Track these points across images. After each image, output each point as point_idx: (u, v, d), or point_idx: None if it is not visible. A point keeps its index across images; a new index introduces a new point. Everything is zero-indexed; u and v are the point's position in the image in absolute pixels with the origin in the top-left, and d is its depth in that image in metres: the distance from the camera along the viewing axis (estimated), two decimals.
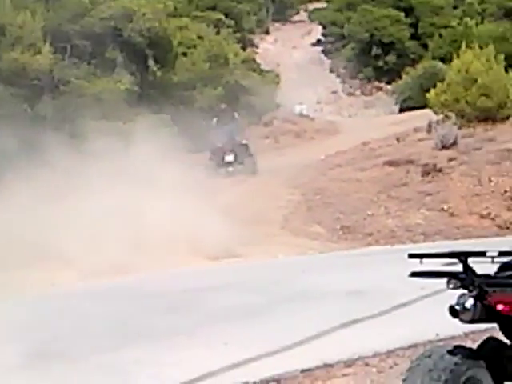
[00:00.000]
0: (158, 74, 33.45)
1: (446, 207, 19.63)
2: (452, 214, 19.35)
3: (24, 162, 18.82)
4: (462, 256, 4.20)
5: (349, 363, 6.96)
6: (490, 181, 20.50)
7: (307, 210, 20.49)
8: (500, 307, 4.04)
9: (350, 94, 64.84)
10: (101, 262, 13.37)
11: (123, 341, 8.35)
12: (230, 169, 25.21)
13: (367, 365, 6.95)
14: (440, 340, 7.25)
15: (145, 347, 7.98)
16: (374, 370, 6.83)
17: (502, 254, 4.18)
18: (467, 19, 55.91)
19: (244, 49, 52.00)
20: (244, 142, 26.48)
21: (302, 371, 6.75)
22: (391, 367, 6.83)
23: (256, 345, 7.57)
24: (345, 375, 6.71)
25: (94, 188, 16.72)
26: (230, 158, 25.38)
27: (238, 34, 59.06)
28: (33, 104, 28.10)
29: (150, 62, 33.45)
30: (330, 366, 6.89)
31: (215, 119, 27.55)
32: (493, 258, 4.17)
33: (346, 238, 18.35)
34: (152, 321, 9.31)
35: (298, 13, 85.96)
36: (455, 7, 68.64)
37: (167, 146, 28.71)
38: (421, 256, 4.35)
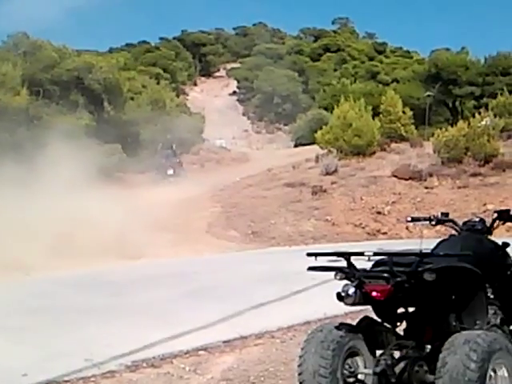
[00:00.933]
0: (112, 113, 32.92)
1: (329, 218, 19.82)
2: (333, 224, 19.55)
3: None
4: (347, 255, 4.22)
5: (259, 336, 6.90)
6: (362, 199, 20.81)
7: (226, 219, 20.41)
8: (374, 294, 4.07)
9: (258, 132, 65.24)
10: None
11: None
12: (171, 179, 28.00)
13: (273, 337, 6.91)
14: (327, 318, 7.26)
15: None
16: (278, 340, 6.79)
17: (375, 254, 4.22)
18: (344, 79, 56.89)
19: (178, 96, 51.64)
20: (178, 161, 30.78)
21: (224, 342, 6.68)
22: (291, 338, 6.80)
23: (187, 322, 7.45)
24: (256, 345, 6.64)
25: (48, 195, 16.18)
26: (170, 171, 28.92)
27: (173, 85, 58.70)
28: (12, 134, 27.26)
29: (105, 104, 32.90)
30: (245, 337, 6.83)
31: (160, 145, 30.96)
32: (369, 257, 4.20)
33: (255, 241, 18.33)
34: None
35: (218, 70, 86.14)
36: (335, 70, 69.95)
37: (117, 167, 28.33)
38: (316, 255, 4.36)
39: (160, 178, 27.98)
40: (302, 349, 4.21)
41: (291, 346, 6.39)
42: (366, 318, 4.42)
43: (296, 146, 48.35)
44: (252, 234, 18.97)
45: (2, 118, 26.14)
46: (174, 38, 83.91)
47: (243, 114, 70.50)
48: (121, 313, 8.24)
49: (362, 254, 4.16)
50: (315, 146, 29.38)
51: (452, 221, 4.99)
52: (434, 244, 4.67)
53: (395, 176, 22.24)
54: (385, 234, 18.97)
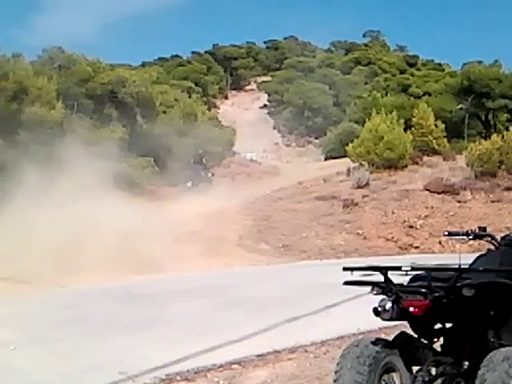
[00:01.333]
0: (144, 126, 33.20)
1: (360, 232, 19.69)
2: (365, 237, 19.41)
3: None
4: (383, 270, 4.19)
5: (292, 350, 6.89)
6: (393, 213, 20.65)
7: (257, 232, 20.38)
8: (412, 309, 4.04)
9: (288, 146, 65.19)
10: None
11: None
12: (200, 191, 27.67)
13: (306, 351, 6.89)
14: (361, 333, 7.21)
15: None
16: (312, 355, 6.76)
17: (413, 268, 4.19)
18: (375, 92, 56.68)
19: (209, 109, 51.87)
20: (210, 174, 31.43)
21: (257, 356, 6.67)
22: (325, 353, 6.77)
23: (220, 336, 7.46)
24: (289, 359, 6.63)
25: (81, 209, 16.34)
26: (189, 184, 29.34)
27: (205, 98, 59.08)
28: (48, 147, 27.68)
29: (138, 118, 33.21)
30: (278, 352, 6.82)
31: (192, 159, 31.18)
32: (406, 271, 4.17)
33: (286, 254, 18.27)
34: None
35: (249, 84, 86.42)
36: (366, 83, 69.70)
37: (149, 179, 28.53)
38: (352, 269, 4.34)
39: (191, 190, 28.18)
40: (338, 364, 4.19)
41: (325, 360, 6.36)
42: (403, 334, 4.39)
43: (326, 159, 48.14)
44: (283, 247, 18.93)
45: (38, 131, 26.59)
46: (206, 52, 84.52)
47: (274, 128, 70.49)
48: (154, 326, 8.28)
49: (399, 268, 4.13)
50: (346, 160, 29.20)
51: (490, 235, 4.93)
52: (470, 259, 4.62)
53: (427, 190, 22.03)
54: (417, 248, 18.78)
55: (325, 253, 18.25)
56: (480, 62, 54.78)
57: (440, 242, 18.29)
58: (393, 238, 19.20)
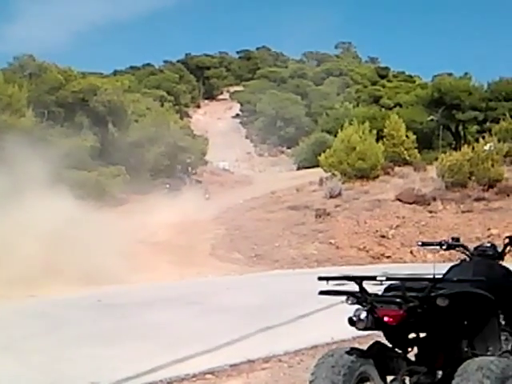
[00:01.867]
0: (116, 135, 33.08)
1: (333, 241, 19.75)
2: (337, 247, 19.48)
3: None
4: (359, 279, 4.20)
5: (266, 359, 6.85)
6: (365, 223, 20.77)
7: (230, 241, 20.36)
8: (386, 319, 4.04)
9: (260, 155, 65.28)
10: None
11: None
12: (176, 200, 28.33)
13: (280, 361, 6.85)
14: (334, 342, 7.21)
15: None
16: (286, 365, 6.73)
17: (388, 278, 4.20)
18: (347, 103, 57.13)
19: (181, 118, 51.80)
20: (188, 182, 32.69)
21: (231, 365, 6.63)
22: (299, 363, 6.75)
23: (193, 345, 7.40)
24: (263, 369, 6.59)
25: (46, 217, 16.09)
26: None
27: (177, 107, 58.96)
28: (17, 156, 27.35)
29: (110, 126, 33.08)
30: (252, 361, 6.78)
31: (179, 167, 33.86)
32: (381, 281, 4.18)
33: (259, 263, 18.26)
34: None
35: (222, 93, 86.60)
36: (338, 94, 70.26)
37: (120, 188, 28.37)
38: (327, 279, 4.34)
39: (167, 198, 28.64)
40: (313, 373, 4.16)
41: (299, 370, 6.34)
42: (377, 343, 4.38)
43: (299, 168, 48.37)
44: (256, 256, 18.91)
45: (7, 139, 26.26)
46: (178, 61, 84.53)
47: (246, 137, 70.65)
48: (127, 336, 8.20)
49: (374, 278, 4.13)
50: (318, 169, 29.38)
51: (463, 246, 4.97)
52: (442, 269, 4.65)
53: (399, 200, 22.22)
54: (389, 257, 18.90)
55: (297, 262, 18.27)
56: (450, 74, 55.66)
57: (411, 252, 18.44)
58: (365, 247, 19.30)
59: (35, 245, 14.32)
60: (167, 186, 30.68)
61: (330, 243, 19.66)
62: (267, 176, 44.28)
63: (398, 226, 20.37)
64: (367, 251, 19.15)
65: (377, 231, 20.05)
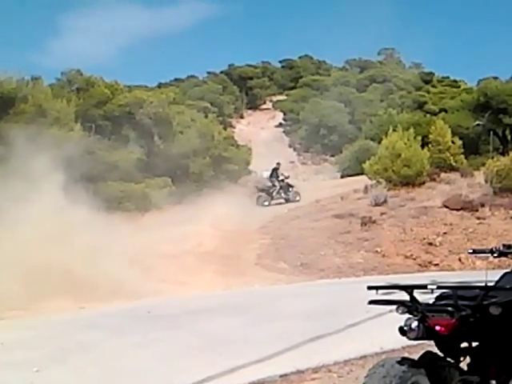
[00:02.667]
0: (161, 147, 33.41)
1: (379, 250, 19.58)
2: (384, 255, 19.30)
3: None
4: (409, 288, 4.17)
5: (316, 370, 6.84)
6: (412, 230, 20.53)
7: (275, 250, 20.33)
8: (437, 328, 4.01)
9: (304, 164, 65.09)
10: None
11: None
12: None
13: (330, 371, 6.83)
14: (384, 352, 7.15)
15: None
16: (335, 375, 6.71)
17: (439, 287, 4.16)
18: (390, 109, 56.60)
19: (225, 129, 52.02)
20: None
21: (280, 376, 6.64)
22: (348, 373, 6.72)
23: (243, 356, 7.43)
24: (313, 379, 6.59)
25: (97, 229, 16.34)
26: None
27: (221, 118, 59.30)
28: (66, 169, 27.94)
29: (156, 138, 33.45)
30: (302, 372, 6.77)
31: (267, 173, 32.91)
32: (432, 290, 4.15)
33: (304, 273, 18.18)
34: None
35: (265, 103, 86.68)
36: (382, 100, 69.67)
37: (167, 199, 28.65)
38: (377, 288, 4.32)
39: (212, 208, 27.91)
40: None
41: (349, 380, 6.31)
42: (428, 353, 4.34)
43: (342, 176, 47.95)
44: (301, 265, 18.86)
45: (56, 154, 26.84)
46: (222, 72, 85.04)
47: (289, 146, 70.51)
48: (176, 346, 8.28)
49: (425, 287, 4.11)
50: (362, 177, 29.09)
51: None
52: (494, 276, 4.59)
53: (446, 206, 21.90)
54: (436, 265, 18.65)
55: (343, 271, 18.16)
56: (496, 78, 54.63)
57: (460, 259, 18.16)
58: (412, 255, 19.08)
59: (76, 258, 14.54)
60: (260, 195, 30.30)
61: (376, 251, 19.48)
62: (311, 184, 43.99)
63: (445, 233, 20.07)
64: (414, 259, 18.92)
65: (424, 239, 19.79)
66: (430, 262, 18.75)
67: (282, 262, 19.25)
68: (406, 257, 19.05)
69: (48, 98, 27.16)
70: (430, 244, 19.57)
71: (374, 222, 21.54)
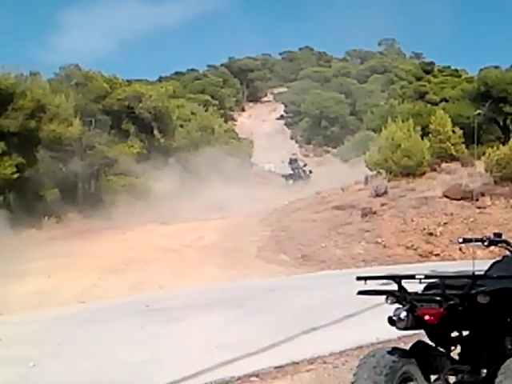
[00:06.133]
0: (162, 140, 33.45)
1: (380, 240, 19.56)
2: (385, 246, 19.28)
3: None
4: (397, 278, 4.17)
5: (311, 361, 6.84)
6: (412, 221, 20.50)
7: (276, 242, 20.32)
8: (427, 318, 4.01)
9: (306, 156, 64.91)
10: None
11: None
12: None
13: (325, 362, 6.83)
14: (380, 342, 7.15)
15: None
16: (331, 366, 6.71)
17: (427, 277, 4.15)
18: (391, 100, 56.41)
19: (226, 122, 52.11)
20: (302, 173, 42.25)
21: (276, 367, 6.64)
22: (343, 364, 6.72)
23: (238, 348, 7.43)
24: (308, 370, 6.59)
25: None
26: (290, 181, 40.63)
27: (221, 111, 59.26)
28: (66, 164, 27.99)
29: (155, 132, 33.46)
30: (297, 363, 6.77)
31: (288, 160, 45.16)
32: (420, 280, 4.14)
33: (305, 264, 18.18)
34: None
35: (266, 95, 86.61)
36: (383, 91, 69.48)
37: (169, 192, 28.67)
38: (365, 278, 4.32)
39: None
40: (355, 374, 4.15)
41: (344, 371, 6.31)
42: (420, 343, 4.35)
43: None
44: (302, 257, 18.85)
45: (56, 149, 26.85)
46: (222, 65, 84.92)
47: (291, 138, 70.47)
48: (173, 339, 8.29)
49: (413, 276, 4.10)
50: (364, 168, 29.11)
51: (505, 241, 4.87)
52: (487, 265, 4.58)
53: (446, 196, 21.85)
54: (437, 255, 18.63)
55: (344, 262, 18.15)
56: (497, 67, 54.42)
57: (461, 249, 18.10)
58: (413, 245, 19.06)
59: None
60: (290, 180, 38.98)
61: (377, 242, 19.46)
62: (313, 177, 44.00)
63: (445, 223, 20.03)
64: (415, 249, 18.90)
65: (424, 229, 19.76)
66: (430, 252, 18.72)
67: (282, 254, 19.25)
68: (407, 247, 19.04)
69: (47, 93, 27.13)
70: (431, 234, 19.54)
71: (375, 213, 21.51)
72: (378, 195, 23.29)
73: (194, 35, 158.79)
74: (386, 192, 23.45)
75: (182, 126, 37.38)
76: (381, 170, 26.08)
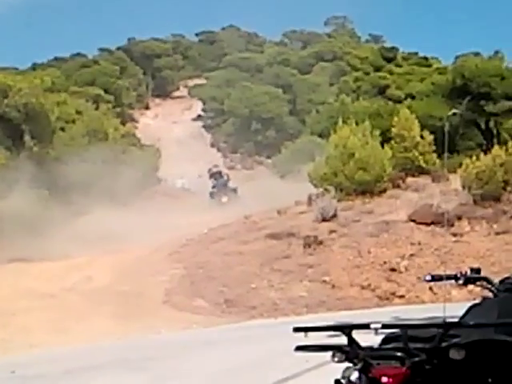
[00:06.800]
0: (35, 149, 32.88)
1: (327, 279, 19.77)
2: (333, 286, 19.50)
3: None
4: (347, 329, 4.15)
5: None
6: (370, 252, 20.82)
7: (190, 284, 20.34)
8: (384, 380, 3.99)
9: (231, 168, 65.24)
10: None
11: None
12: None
13: None
14: None
15: None
16: None
17: (384, 326, 4.15)
18: (343, 96, 57.41)
19: (124, 124, 51.80)
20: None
21: None
22: None
23: None
24: None
25: None
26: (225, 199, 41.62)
27: (118, 109, 58.92)
28: None
29: (27, 138, 32.90)
30: None
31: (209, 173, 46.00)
32: (376, 330, 4.14)
33: (229, 312, 18.25)
34: None
35: (178, 89, 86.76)
36: (331, 84, 70.67)
37: (42, 218, 28.12)
38: (305, 329, 4.27)
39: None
40: None
41: None
42: None
43: None
44: (225, 303, 18.89)
45: None
46: (119, 49, 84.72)
47: (212, 145, 70.81)
48: None
49: (367, 326, 4.09)
50: (307, 184, 29.42)
51: (485, 279, 4.94)
52: (464, 310, 4.62)
53: (413, 220, 22.30)
54: (402, 297, 18.97)
55: (281, 308, 18.29)
56: (477, 55, 56.21)
57: (431, 289, 18.45)
58: (370, 285, 19.34)
59: None
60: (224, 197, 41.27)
61: (324, 281, 19.68)
62: (240, 195, 44.23)
63: (412, 256, 20.43)
64: (373, 290, 19.19)
65: (385, 263, 20.11)
66: (393, 294, 19.05)
67: (198, 298, 19.29)
68: (363, 287, 19.31)
69: None
70: (393, 270, 19.89)
71: (321, 242, 21.75)
72: (324, 220, 23.56)
73: (80, 10, 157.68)
74: (335, 215, 23.75)
75: (63, 129, 36.88)
76: (329, 187, 26.36)
